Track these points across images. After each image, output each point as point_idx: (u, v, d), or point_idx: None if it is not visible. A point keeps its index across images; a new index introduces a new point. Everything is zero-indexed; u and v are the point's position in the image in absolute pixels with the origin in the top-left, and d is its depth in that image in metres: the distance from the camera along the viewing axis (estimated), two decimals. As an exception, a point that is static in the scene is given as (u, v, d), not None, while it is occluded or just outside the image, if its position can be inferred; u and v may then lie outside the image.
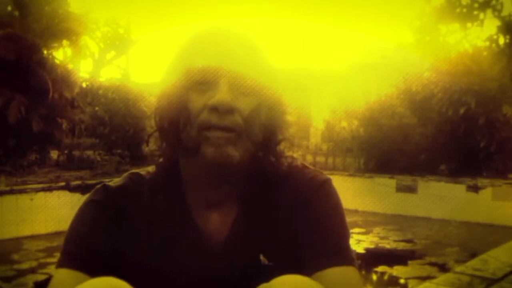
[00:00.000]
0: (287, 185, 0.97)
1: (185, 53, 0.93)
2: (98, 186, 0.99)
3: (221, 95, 0.86)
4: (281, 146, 0.98)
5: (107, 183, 0.99)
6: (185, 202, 0.95)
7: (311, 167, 1.02)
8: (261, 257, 0.94)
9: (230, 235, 0.94)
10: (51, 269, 5.27)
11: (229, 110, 0.86)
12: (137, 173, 1.01)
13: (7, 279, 5.11)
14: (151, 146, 1.01)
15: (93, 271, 0.87)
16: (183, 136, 0.89)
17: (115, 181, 0.99)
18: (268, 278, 0.80)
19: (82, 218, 0.95)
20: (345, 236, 0.95)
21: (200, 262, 0.93)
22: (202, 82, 0.88)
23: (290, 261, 0.89)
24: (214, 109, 0.86)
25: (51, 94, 8.74)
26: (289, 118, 0.96)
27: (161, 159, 0.99)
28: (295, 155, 1.01)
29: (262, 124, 0.92)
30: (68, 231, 0.95)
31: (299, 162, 1.01)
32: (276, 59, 0.96)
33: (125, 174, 1.01)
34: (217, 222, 0.95)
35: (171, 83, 0.90)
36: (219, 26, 0.95)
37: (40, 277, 5.07)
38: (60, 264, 0.92)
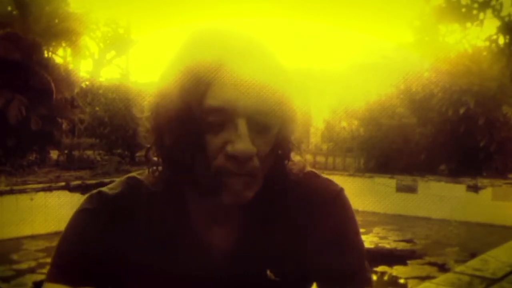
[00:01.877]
0: (297, 196, 0.89)
1: (185, 62, 0.79)
2: (93, 192, 0.90)
3: (244, 145, 0.76)
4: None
5: (102, 189, 0.90)
6: (187, 213, 0.88)
7: (322, 175, 0.93)
8: (268, 272, 0.87)
9: (235, 248, 0.87)
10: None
11: (250, 158, 0.78)
12: (134, 178, 0.92)
13: (6, 279, 5.11)
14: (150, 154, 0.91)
15: (86, 285, 0.83)
16: (198, 177, 0.81)
17: (110, 187, 0.91)
18: None
19: (75, 228, 0.88)
20: (361, 254, 0.88)
21: (204, 276, 0.86)
22: (216, 123, 0.78)
23: (298, 277, 0.86)
24: (233, 157, 0.77)
25: (54, 94, 8.76)
26: (297, 122, 0.86)
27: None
28: (299, 157, 0.92)
29: (275, 153, 0.84)
30: (60, 241, 0.87)
31: (308, 168, 0.93)
32: (287, 58, 0.84)
33: (122, 179, 0.93)
34: (221, 235, 0.88)
35: (181, 118, 0.78)
36: (227, 32, 0.82)
37: (39, 277, 5.06)
38: (50, 278, 0.85)
